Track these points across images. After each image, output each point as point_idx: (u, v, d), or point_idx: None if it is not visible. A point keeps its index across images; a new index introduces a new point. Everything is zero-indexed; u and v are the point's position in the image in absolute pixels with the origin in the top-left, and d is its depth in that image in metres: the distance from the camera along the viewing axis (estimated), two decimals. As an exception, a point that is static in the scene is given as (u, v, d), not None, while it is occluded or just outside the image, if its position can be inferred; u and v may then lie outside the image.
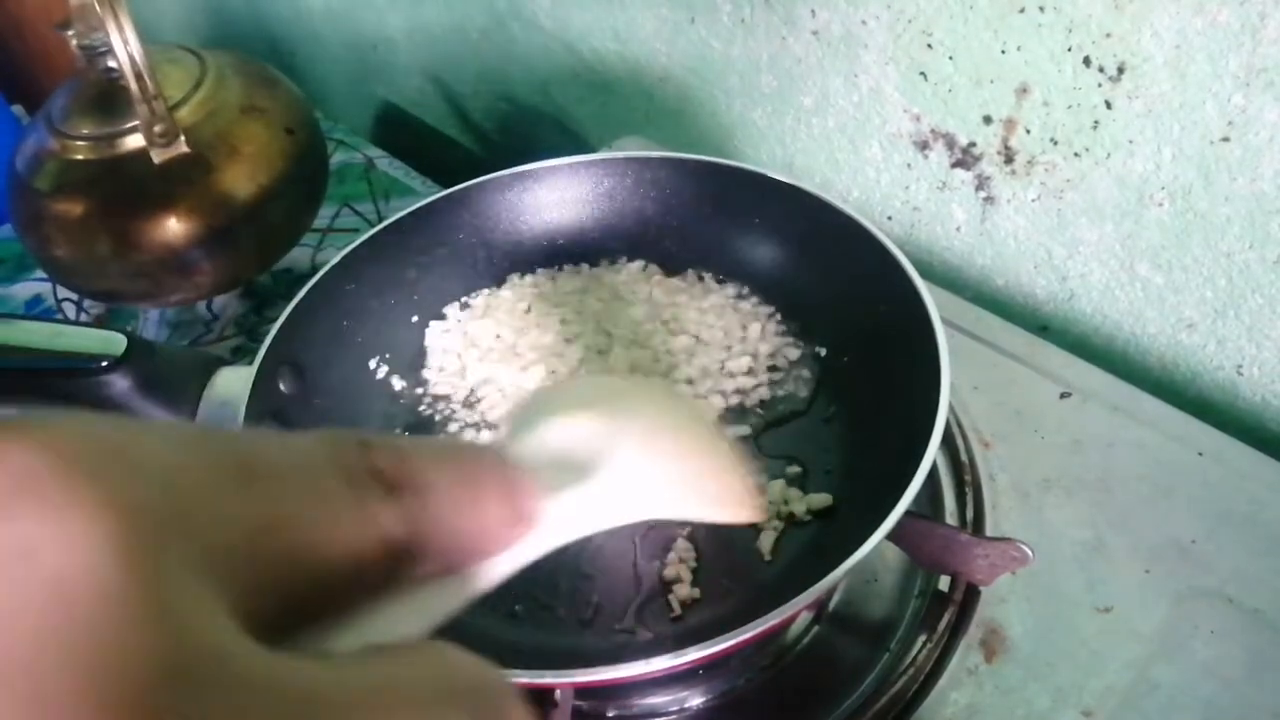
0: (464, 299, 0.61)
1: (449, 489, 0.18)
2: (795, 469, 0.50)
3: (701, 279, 0.60)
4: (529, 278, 0.62)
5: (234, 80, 0.73)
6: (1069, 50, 0.54)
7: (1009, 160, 0.61)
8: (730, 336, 0.57)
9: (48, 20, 1.20)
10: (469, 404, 0.56)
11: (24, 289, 0.87)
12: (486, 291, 0.61)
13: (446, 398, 0.56)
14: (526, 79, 0.94)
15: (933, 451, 0.41)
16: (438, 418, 0.55)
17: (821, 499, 0.48)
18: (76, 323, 0.84)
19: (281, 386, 0.50)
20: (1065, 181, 0.59)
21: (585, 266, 0.62)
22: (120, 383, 0.46)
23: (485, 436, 0.53)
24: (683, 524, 0.49)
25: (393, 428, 0.55)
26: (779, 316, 0.58)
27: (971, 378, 0.57)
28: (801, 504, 0.48)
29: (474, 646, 0.20)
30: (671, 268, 0.61)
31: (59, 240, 0.69)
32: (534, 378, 0.55)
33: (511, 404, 0.55)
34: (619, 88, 0.85)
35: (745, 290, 0.59)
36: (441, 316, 0.60)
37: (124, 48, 0.63)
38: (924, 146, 0.65)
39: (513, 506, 0.20)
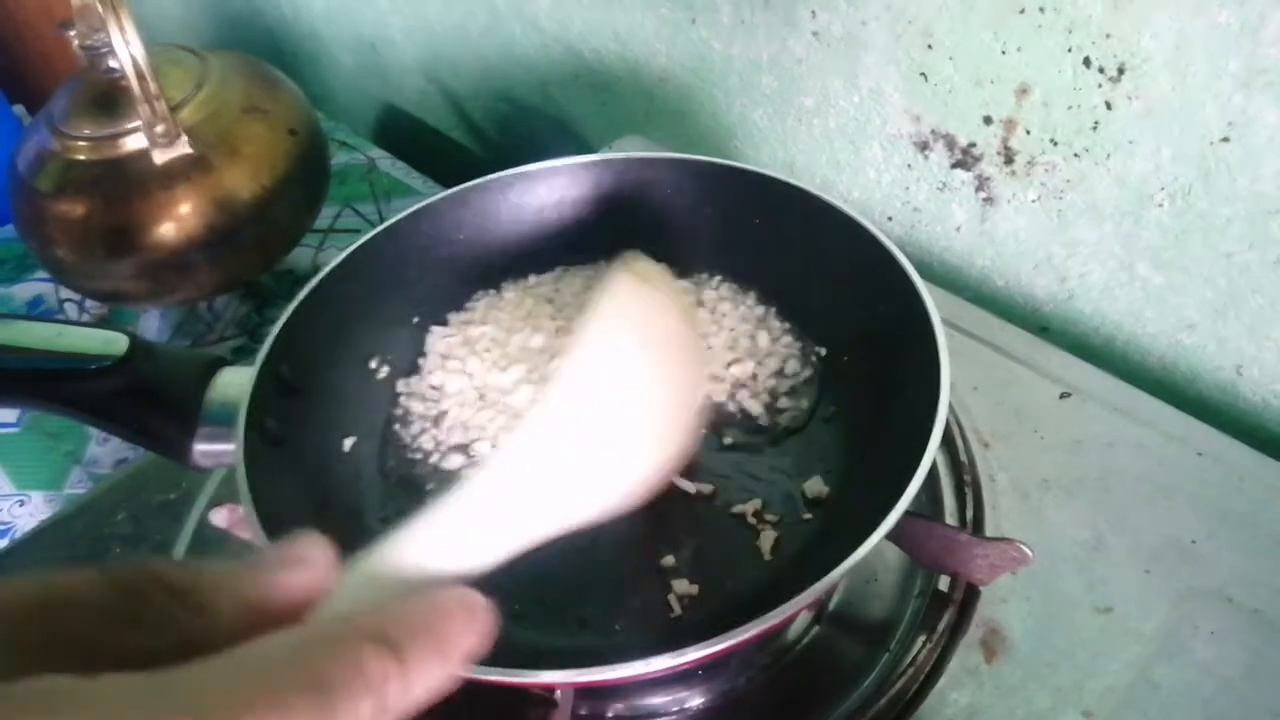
0: (464, 300, 0.61)
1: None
2: (795, 468, 0.50)
3: (708, 280, 0.60)
4: (530, 278, 0.62)
5: (236, 81, 0.73)
6: (1069, 51, 0.54)
7: (1009, 161, 0.61)
8: (735, 340, 0.57)
9: (49, 20, 1.20)
10: (457, 407, 0.56)
11: (26, 289, 0.88)
12: (487, 292, 0.61)
13: (439, 400, 0.56)
14: (526, 79, 0.94)
15: (933, 451, 0.41)
16: (434, 418, 0.56)
17: (815, 485, 0.48)
18: (78, 323, 0.84)
19: (282, 387, 0.51)
20: (1065, 182, 0.59)
21: (586, 267, 0.62)
22: (121, 383, 0.46)
23: (458, 461, 0.53)
24: (682, 523, 0.49)
25: (392, 427, 0.56)
26: (779, 317, 0.58)
27: (971, 378, 0.57)
28: (797, 495, 0.48)
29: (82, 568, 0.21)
30: (673, 268, 0.61)
31: (60, 240, 0.69)
32: (511, 378, 0.55)
33: (491, 408, 0.55)
34: (619, 88, 0.85)
35: (747, 291, 0.59)
36: (443, 320, 0.60)
37: (125, 48, 0.63)
38: (924, 147, 0.65)
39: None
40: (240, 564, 0.22)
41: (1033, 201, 0.61)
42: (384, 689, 0.20)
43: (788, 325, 0.57)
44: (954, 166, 0.64)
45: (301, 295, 0.53)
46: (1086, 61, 0.54)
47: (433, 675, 0.21)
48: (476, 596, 0.23)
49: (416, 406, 0.56)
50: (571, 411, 0.31)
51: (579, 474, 0.30)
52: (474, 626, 0.22)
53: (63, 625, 0.20)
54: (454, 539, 0.27)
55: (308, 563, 0.23)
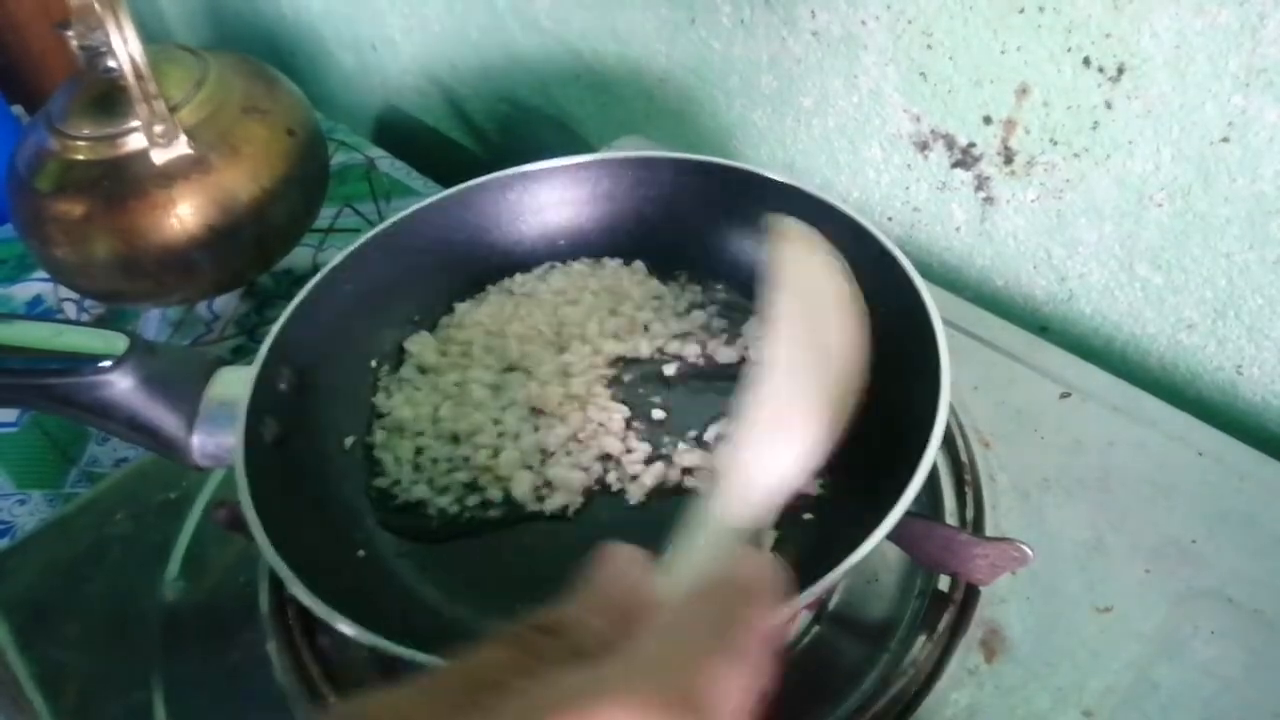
0: (464, 299, 0.61)
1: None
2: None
3: (707, 285, 0.61)
4: (530, 277, 0.62)
5: (235, 81, 0.73)
6: (1069, 50, 0.54)
7: (1008, 160, 0.61)
8: (728, 337, 0.57)
9: (47, 20, 1.20)
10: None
11: (25, 289, 0.87)
12: (486, 291, 0.61)
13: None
14: (527, 79, 0.94)
15: (933, 451, 0.41)
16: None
17: (813, 485, 0.48)
18: (77, 323, 0.84)
19: (282, 386, 0.51)
20: (1065, 182, 0.59)
21: (586, 267, 0.62)
22: (121, 383, 0.46)
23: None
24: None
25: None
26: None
27: (971, 378, 0.57)
28: (797, 495, 0.48)
29: (474, 646, 0.22)
30: (671, 268, 0.61)
31: (60, 240, 0.69)
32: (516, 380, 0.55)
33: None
34: (619, 88, 0.85)
35: (745, 293, 0.59)
36: (439, 321, 0.60)
37: (124, 48, 0.63)
38: (924, 147, 0.65)
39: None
40: (581, 594, 0.26)
41: (1032, 201, 0.61)
42: (756, 627, 0.24)
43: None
44: (954, 166, 0.64)
45: (301, 295, 0.53)
46: (1086, 61, 0.54)
47: (771, 616, 0.25)
48: (768, 556, 0.28)
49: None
50: (787, 371, 0.35)
51: (805, 417, 0.35)
52: (778, 578, 0.27)
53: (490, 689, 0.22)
54: (739, 497, 0.32)
55: (621, 559, 0.27)
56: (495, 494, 0.50)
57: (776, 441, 0.33)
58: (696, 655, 0.23)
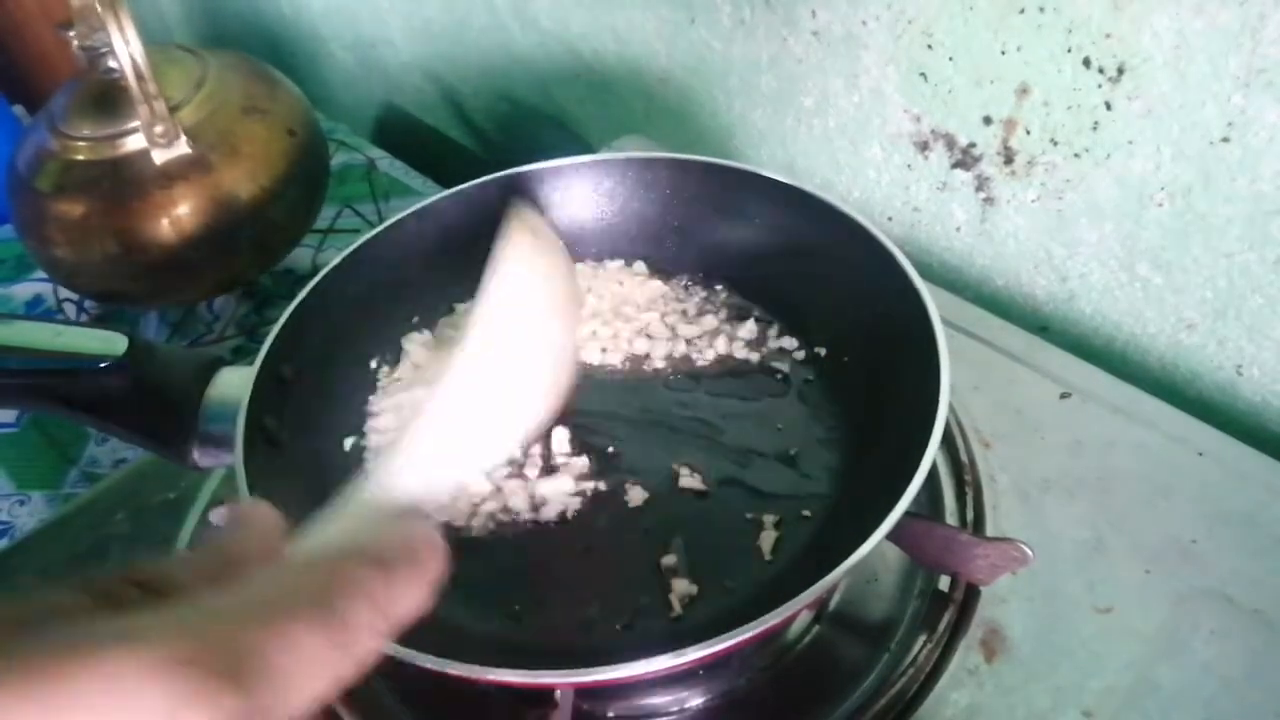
0: (465, 300, 0.61)
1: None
2: (795, 468, 0.50)
3: (707, 286, 0.61)
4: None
5: (235, 81, 0.73)
6: (1069, 51, 0.54)
7: (1009, 161, 0.61)
8: (728, 338, 0.57)
9: (48, 21, 1.20)
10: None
11: (25, 289, 0.88)
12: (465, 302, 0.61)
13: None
14: (527, 79, 0.94)
15: (933, 451, 0.41)
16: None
17: (814, 485, 0.48)
18: (77, 323, 0.84)
19: (282, 387, 0.51)
20: (1065, 182, 0.59)
21: (586, 267, 0.62)
22: (121, 383, 0.46)
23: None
24: (682, 522, 0.49)
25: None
26: (778, 317, 0.58)
27: (971, 378, 0.57)
28: (798, 495, 0.48)
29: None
30: (671, 268, 0.61)
31: (60, 241, 0.69)
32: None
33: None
34: (619, 88, 0.85)
35: (746, 294, 0.60)
36: (438, 321, 0.60)
37: (125, 48, 0.63)
38: (924, 147, 0.65)
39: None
40: (197, 546, 0.24)
41: (1033, 201, 0.61)
42: (376, 596, 0.22)
43: (786, 325, 0.57)
44: (954, 166, 0.64)
45: (301, 295, 0.53)
46: (1086, 62, 0.54)
47: (413, 590, 0.23)
48: (433, 530, 0.25)
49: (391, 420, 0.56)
50: (495, 350, 0.34)
51: (502, 405, 0.33)
52: (437, 553, 0.25)
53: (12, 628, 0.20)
54: (408, 475, 0.30)
55: (254, 521, 0.26)
56: (491, 505, 0.50)
57: (462, 428, 0.31)
58: (267, 613, 0.19)
